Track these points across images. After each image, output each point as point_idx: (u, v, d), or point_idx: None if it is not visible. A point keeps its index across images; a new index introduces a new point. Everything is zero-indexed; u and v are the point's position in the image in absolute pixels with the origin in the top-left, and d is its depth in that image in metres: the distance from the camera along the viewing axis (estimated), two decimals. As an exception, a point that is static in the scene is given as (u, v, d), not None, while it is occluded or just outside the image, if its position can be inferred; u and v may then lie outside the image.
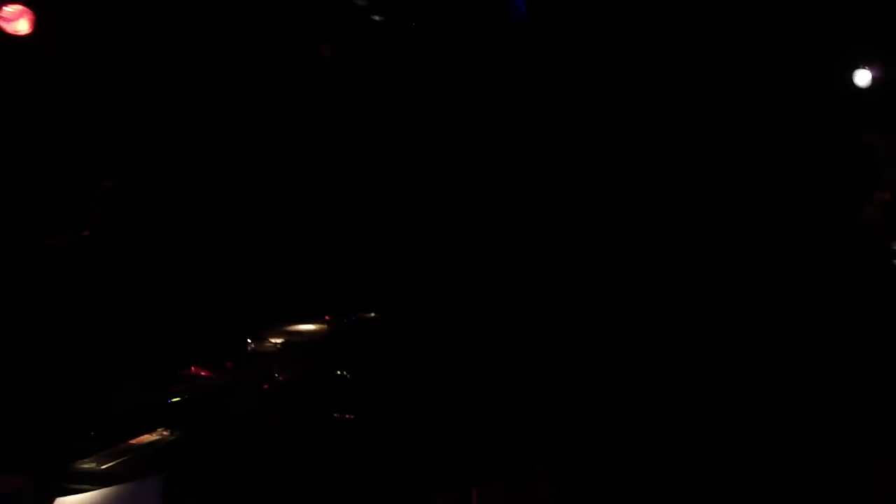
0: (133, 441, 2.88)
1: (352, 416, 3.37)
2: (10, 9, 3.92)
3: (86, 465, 2.73)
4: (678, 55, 4.65)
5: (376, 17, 4.73)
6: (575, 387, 3.87)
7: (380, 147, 4.99)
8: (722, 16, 4.65)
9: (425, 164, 5.01)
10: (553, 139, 4.81)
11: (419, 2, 4.88)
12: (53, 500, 2.64)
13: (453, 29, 4.80)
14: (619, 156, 4.68)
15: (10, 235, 3.58)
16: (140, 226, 3.30)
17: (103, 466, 2.72)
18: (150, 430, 2.94)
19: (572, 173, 4.78)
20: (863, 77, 6.13)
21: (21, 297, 3.06)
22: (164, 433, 2.94)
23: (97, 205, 3.27)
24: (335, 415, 3.35)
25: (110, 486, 2.69)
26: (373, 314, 4.15)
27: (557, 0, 4.79)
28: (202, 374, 3.34)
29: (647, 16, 4.63)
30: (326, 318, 3.98)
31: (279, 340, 3.65)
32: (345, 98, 5.00)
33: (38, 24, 4.00)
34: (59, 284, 3.13)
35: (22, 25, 3.97)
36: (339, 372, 3.57)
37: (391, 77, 4.97)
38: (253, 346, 3.59)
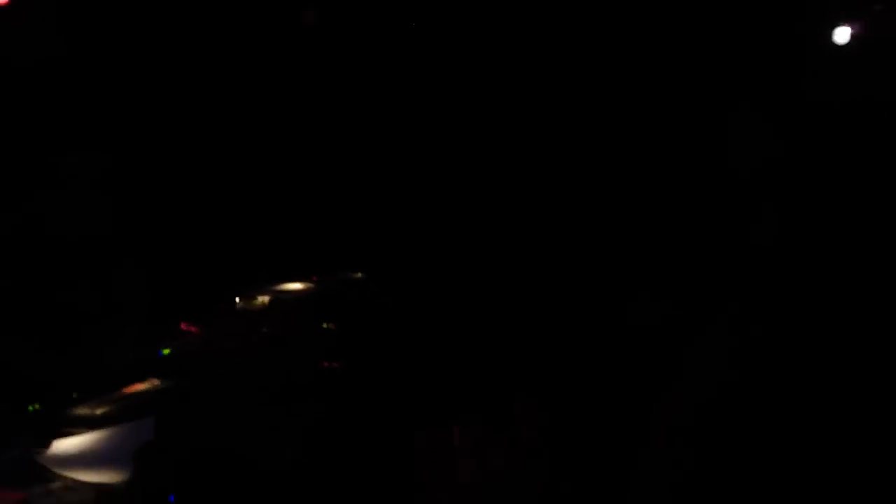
0: (126, 390, 3.02)
1: (337, 365, 3.49)
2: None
3: (81, 411, 2.87)
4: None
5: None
6: (553, 330, 3.97)
7: (369, 109, 5.03)
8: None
9: (414, 128, 5.08)
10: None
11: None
12: (51, 442, 2.80)
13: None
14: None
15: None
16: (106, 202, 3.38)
17: (98, 411, 2.87)
18: (141, 380, 3.08)
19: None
20: (842, 34, 6.16)
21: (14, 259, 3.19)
22: (155, 382, 3.08)
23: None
24: (322, 364, 3.47)
25: (104, 428, 2.85)
26: (357, 273, 4.28)
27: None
28: (191, 329, 3.47)
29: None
30: (313, 277, 4.11)
31: (266, 298, 3.78)
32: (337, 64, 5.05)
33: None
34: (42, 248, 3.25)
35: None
36: (324, 325, 3.69)
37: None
38: (241, 303, 3.72)
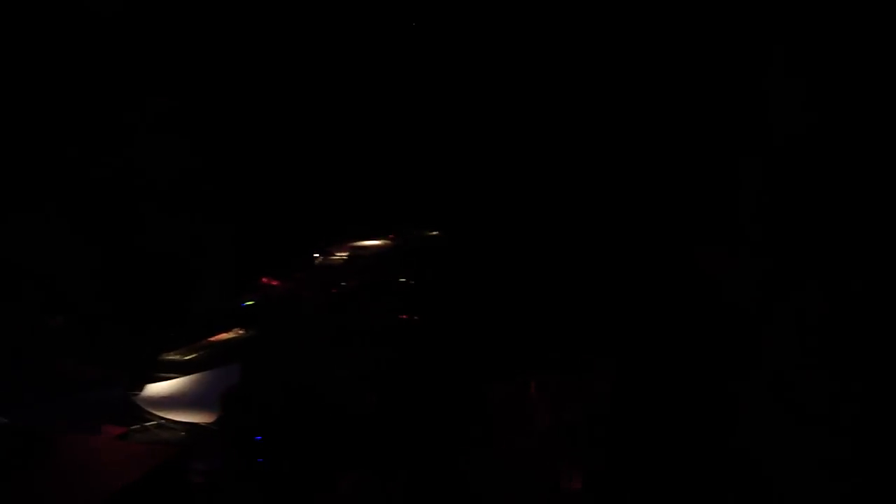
0: (212, 338, 3.15)
1: (417, 317, 3.55)
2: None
3: (171, 357, 3.01)
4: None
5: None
6: (631, 288, 3.94)
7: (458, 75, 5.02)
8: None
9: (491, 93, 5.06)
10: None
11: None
12: (144, 386, 2.95)
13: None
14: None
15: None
16: (185, 151, 3.48)
17: (187, 357, 3.01)
18: (226, 330, 3.21)
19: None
20: None
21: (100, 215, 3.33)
22: (240, 332, 3.20)
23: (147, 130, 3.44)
24: (402, 316, 3.53)
25: (193, 373, 2.98)
26: (433, 231, 4.33)
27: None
28: (272, 283, 3.58)
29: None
30: (390, 236, 4.18)
31: (345, 254, 3.86)
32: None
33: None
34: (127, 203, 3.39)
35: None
36: (402, 280, 3.75)
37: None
38: (320, 259, 3.82)
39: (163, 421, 2.88)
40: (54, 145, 3.78)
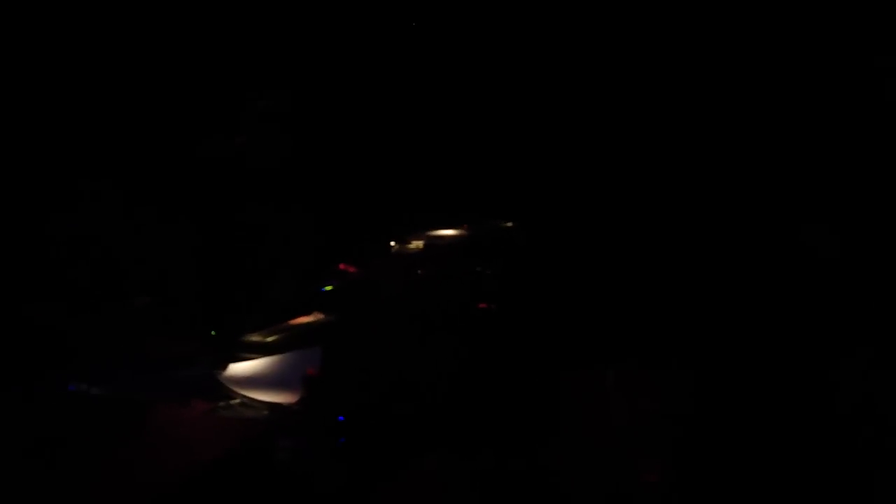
0: (292, 321, 3.20)
1: (492, 306, 3.55)
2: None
3: (253, 338, 3.07)
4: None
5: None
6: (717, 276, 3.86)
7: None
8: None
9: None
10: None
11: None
12: (227, 365, 3.02)
13: None
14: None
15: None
16: (287, 140, 3.54)
17: (268, 339, 3.06)
18: (306, 313, 3.26)
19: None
20: None
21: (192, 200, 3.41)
22: (319, 315, 3.24)
23: (252, 119, 3.53)
24: (477, 304, 3.54)
25: (275, 355, 3.03)
26: (509, 223, 4.31)
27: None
28: (350, 269, 3.62)
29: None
30: (463, 225, 4.18)
31: (421, 243, 3.88)
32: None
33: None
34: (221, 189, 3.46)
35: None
36: (477, 268, 3.75)
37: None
38: (396, 247, 3.84)
39: (246, 399, 2.94)
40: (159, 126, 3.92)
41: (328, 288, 3.38)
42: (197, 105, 4.00)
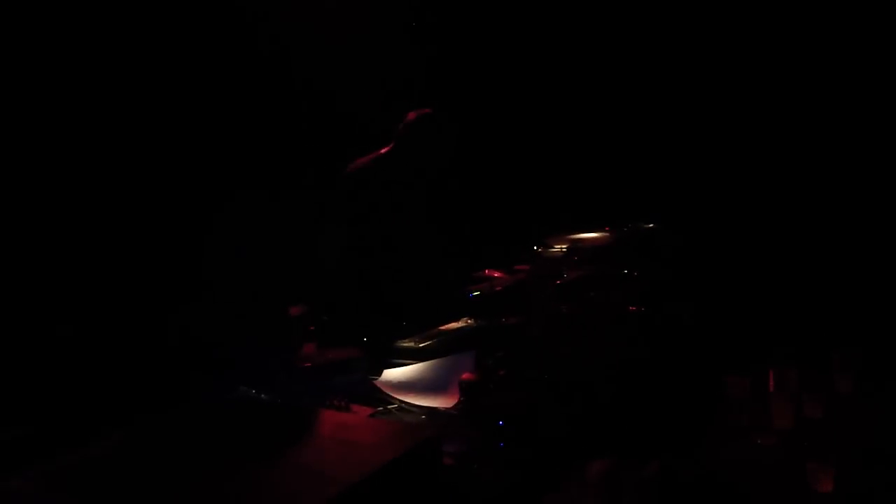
0: (444, 327, 3.24)
1: (641, 308, 3.47)
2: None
3: (407, 344, 3.12)
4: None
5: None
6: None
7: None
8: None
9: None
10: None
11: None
12: (382, 371, 3.08)
13: None
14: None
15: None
16: (447, 150, 3.53)
17: (421, 345, 3.10)
18: (456, 319, 3.28)
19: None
20: None
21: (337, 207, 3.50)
22: (469, 321, 3.26)
23: (408, 128, 3.52)
24: (628, 307, 3.47)
25: (427, 360, 3.07)
26: (651, 224, 4.21)
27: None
28: (496, 275, 3.62)
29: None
30: (606, 228, 4.11)
31: (564, 246, 3.83)
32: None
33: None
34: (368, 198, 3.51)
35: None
36: (625, 271, 3.68)
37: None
38: (541, 250, 3.82)
39: (403, 404, 2.99)
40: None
41: (476, 293, 3.39)
42: (349, 118, 4.15)
